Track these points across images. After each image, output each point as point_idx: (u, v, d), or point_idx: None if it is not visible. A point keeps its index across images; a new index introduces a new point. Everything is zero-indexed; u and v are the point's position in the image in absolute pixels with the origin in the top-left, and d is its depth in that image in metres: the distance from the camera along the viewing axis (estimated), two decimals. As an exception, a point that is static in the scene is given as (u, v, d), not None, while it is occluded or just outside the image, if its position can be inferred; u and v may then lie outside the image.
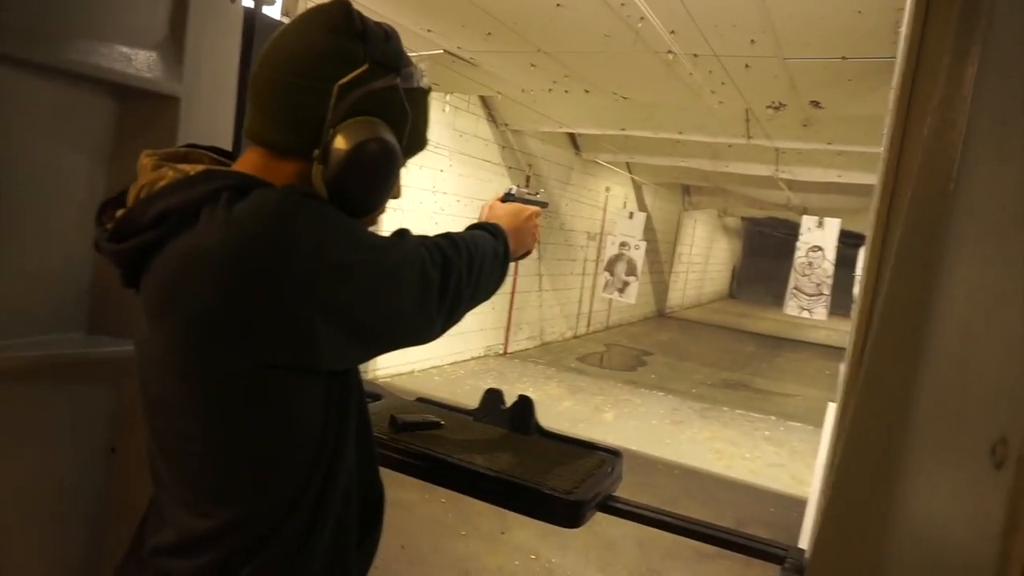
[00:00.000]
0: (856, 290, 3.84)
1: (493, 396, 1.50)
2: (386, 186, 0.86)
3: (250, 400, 0.77)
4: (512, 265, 1.11)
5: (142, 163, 0.85)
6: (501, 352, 8.19)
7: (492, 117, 7.34)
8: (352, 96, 0.82)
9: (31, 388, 1.21)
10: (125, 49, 1.23)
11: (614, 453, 1.39)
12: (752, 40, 3.35)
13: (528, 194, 1.26)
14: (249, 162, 0.86)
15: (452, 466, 1.23)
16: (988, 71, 0.70)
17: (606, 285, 8.56)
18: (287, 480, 0.81)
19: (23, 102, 1.15)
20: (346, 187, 0.82)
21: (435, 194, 6.51)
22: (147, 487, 0.92)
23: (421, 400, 1.59)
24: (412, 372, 6.52)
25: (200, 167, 0.84)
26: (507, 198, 1.22)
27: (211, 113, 1.35)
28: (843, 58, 3.49)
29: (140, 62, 1.25)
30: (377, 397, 1.56)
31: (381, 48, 0.85)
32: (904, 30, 1.27)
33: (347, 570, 0.90)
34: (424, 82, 0.92)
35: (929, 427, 0.61)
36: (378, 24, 0.87)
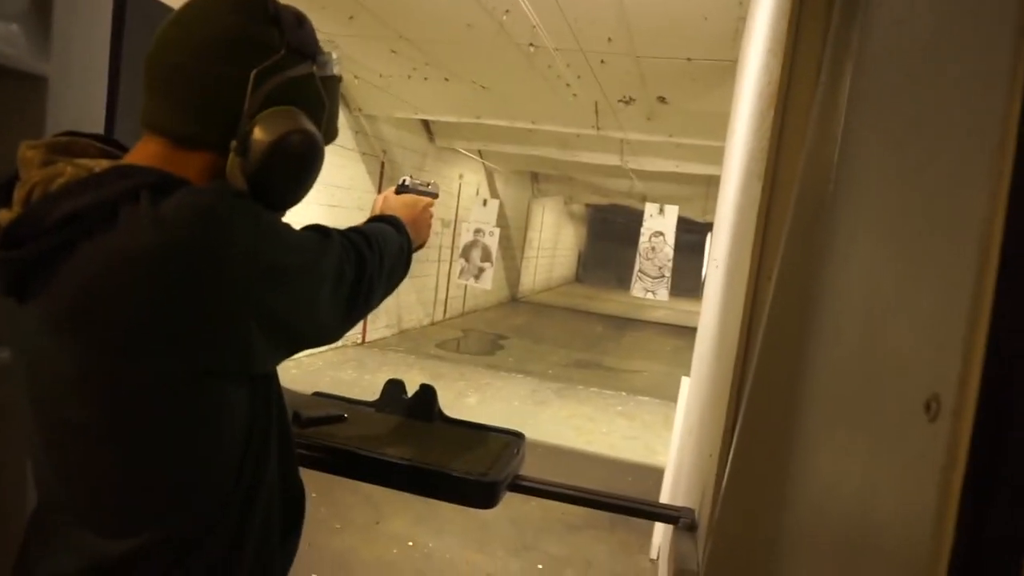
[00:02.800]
0: (704, 272, 4.16)
1: (394, 386, 1.51)
2: (310, 179, 0.84)
3: (178, 409, 0.74)
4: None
5: (25, 156, 0.76)
6: (359, 341, 8.05)
7: (346, 102, 7.14)
8: (268, 84, 0.78)
9: None
10: (-21, 20, 1.10)
11: (517, 435, 1.45)
12: (609, 38, 3.53)
13: (420, 185, 1.27)
14: (149, 153, 0.79)
15: (365, 458, 1.24)
16: (861, 84, 0.82)
17: (462, 271, 8.63)
18: (215, 487, 0.79)
19: None
20: (269, 181, 0.79)
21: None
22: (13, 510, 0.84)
23: (319, 394, 1.57)
24: (267, 366, 6.24)
25: (104, 162, 0.77)
26: (401, 189, 1.22)
27: (82, 96, 1.24)
28: (688, 59, 3.78)
29: (-1, 36, 1.12)
30: (271, 394, 1.52)
31: (295, 34, 0.81)
32: (760, 39, 1.43)
33: (271, 571, 0.88)
34: (336, 69, 0.89)
35: (831, 401, 0.72)
36: (287, 7, 0.83)
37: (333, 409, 1.42)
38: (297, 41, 0.81)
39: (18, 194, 0.74)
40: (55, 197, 0.72)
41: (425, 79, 5.12)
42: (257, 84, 0.77)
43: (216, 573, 0.80)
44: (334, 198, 7.02)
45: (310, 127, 0.81)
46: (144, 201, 0.70)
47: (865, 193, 0.73)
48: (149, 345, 0.70)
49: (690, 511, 1.29)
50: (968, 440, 0.41)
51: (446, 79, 5.11)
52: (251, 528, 0.82)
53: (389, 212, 1.13)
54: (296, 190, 0.83)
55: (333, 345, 7.49)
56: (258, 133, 0.77)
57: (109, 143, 0.85)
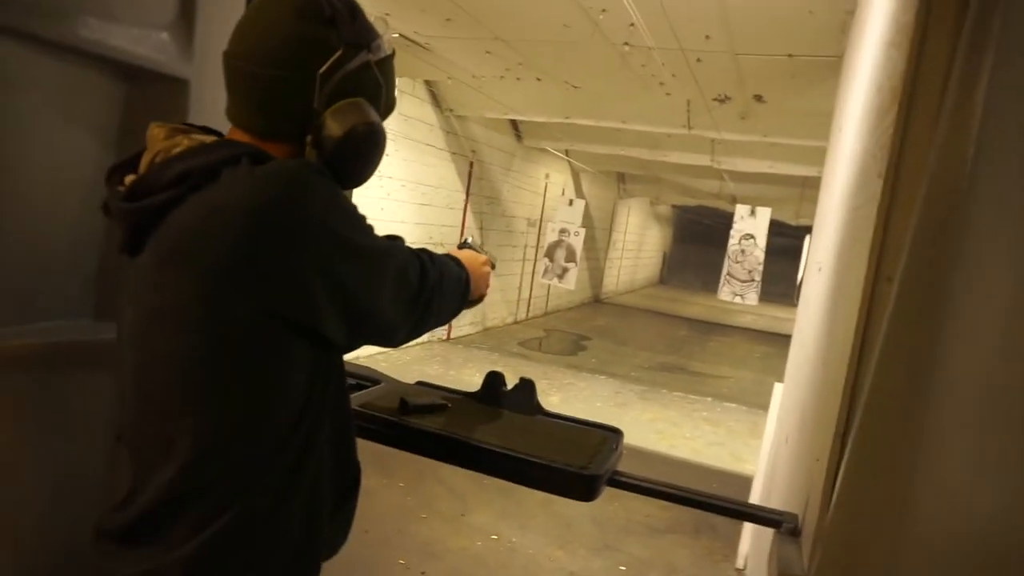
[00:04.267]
0: (800, 276, 4.03)
1: (494, 378, 1.54)
2: (376, 163, 0.94)
3: (251, 346, 0.81)
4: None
5: (153, 133, 0.89)
6: (444, 338, 8.21)
7: (437, 102, 7.30)
8: (332, 81, 0.87)
9: (34, 375, 1.18)
10: (136, 29, 1.21)
11: (615, 431, 1.46)
12: (707, 35, 3.47)
13: (480, 248, 1.33)
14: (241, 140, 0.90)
15: (469, 446, 1.28)
16: (1004, 77, 0.79)
17: (546, 271, 8.66)
18: (268, 437, 0.84)
19: (29, 79, 1.12)
20: (343, 168, 0.89)
21: (380, 178, 6.43)
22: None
23: (422, 383, 1.62)
24: (357, 358, 6.46)
25: (213, 137, 0.90)
26: (463, 246, 1.29)
27: (220, 95, 1.33)
28: (789, 55, 3.67)
29: (150, 43, 1.23)
30: (376, 381, 1.58)
31: (351, 28, 0.89)
32: (876, 32, 1.38)
33: (320, 534, 0.94)
34: (389, 47, 0.97)
35: (965, 404, 0.70)
36: (342, 2, 0.90)
37: (437, 398, 1.47)
38: (353, 35, 0.89)
39: (144, 160, 0.88)
40: (172, 160, 0.85)
41: (518, 79, 5.17)
42: (322, 82, 0.86)
43: (266, 519, 0.85)
44: (425, 197, 7.19)
45: (373, 117, 0.90)
46: (243, 163, 0.82)
47: (1007, 191, 0.70)
48: (231, 283, 0.79)
49: (793, 516, 1.27)
50: None
51: (538, 79, 5.14)
52: (301, 485, 0.88)
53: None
54: (364, 172, 0.93)
55: (419, 340, 7.68)
56: (330, 128, 0.87)
57: (214, 134, 0.96)
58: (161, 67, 1.24)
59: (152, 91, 1.26)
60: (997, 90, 0.81)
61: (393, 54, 0.98)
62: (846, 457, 0.94)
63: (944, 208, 0.87)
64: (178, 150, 0.86)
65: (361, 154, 0.89)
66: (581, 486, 1.25)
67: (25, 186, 1.14)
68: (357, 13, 0.91)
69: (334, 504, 0.97)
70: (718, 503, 1.28)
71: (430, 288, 0.97)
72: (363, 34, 0.91)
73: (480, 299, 1.24)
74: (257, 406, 0.83)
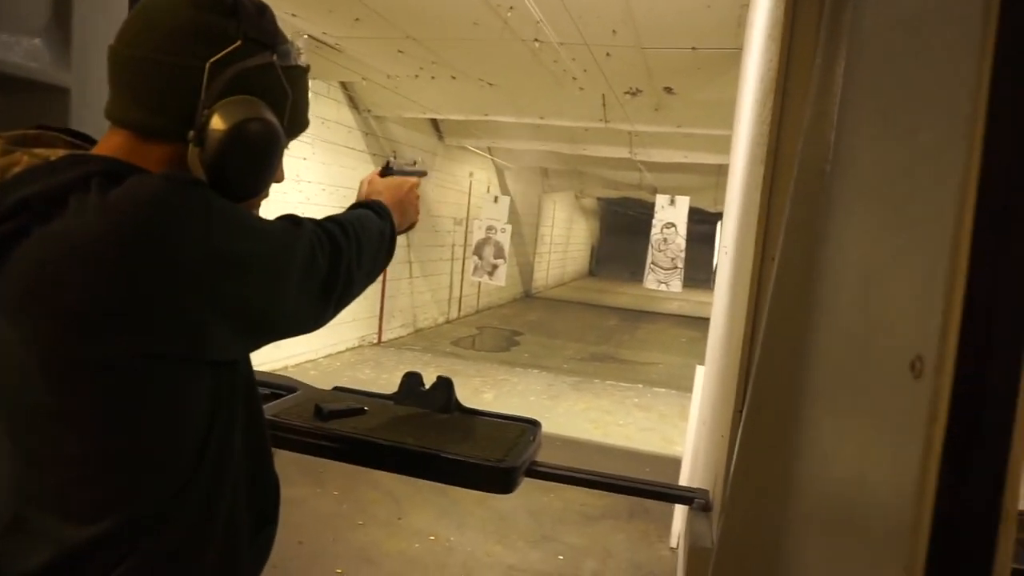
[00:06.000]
0: (715, 261, 4.19)
1: (412, 379, 1.54)
2: (269, 168, 0.83)
3: (129, 392, 0.74)
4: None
5: None
6: (375, 341, 8.12)
7: (354, 103, 7.19)
8: (226, 74, 0.79)
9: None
10: (4, 36, 1.15)
11: (533, 423, 1.48)
12: (613, 30, 3.55)
13: (406, 165, 1.25)
14: (113, 146, 0.80)
15: (386, 448, 1.27)
16: (855, 64, 0.85)
17: (475, 269, 8.67)
18: (174, 472, 0.78)
19: None
20: (227, 169, 0.79)
21: (299, 183, 6.31)
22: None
23: (339, 389, 1.60)
24: (286, 368, 6.31)
25: (59, 151, 0.79)
26: (386, 171, 1.20)
27: (102, 102, 1.28)
28: (693, 48, 3.79)
29: (23, 50, 1.17)
30: (292, 389, 1.56)
31: (255, 24, 0.82)
32: (760, 26, 1.45)
33: (240, 564, 0.88)
34: (302, 60, 0.90)
35: (830, 373, 0.75)
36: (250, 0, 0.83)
37: (353, 402, 1.46)
38: (256, 31, 0.81)
39: None
40: (8, 185, 0.74)
41: (432, 78, 5.15)
42: (213, 74, 0.78)
43: (179, 559, 0.80)
44: (346, 200, 7.06)
45: (268, 115, 0.81)
46: (93, 188, 0.71)
47: (859, 168, 0.76)
48: (96, 330, 0.70)
49: (704, 492, 1.32)
50: (948, 394, 0.44)
51: (453, 77, 5.14)
52: (216, 516, 0.82)
53: (374, 195, 1.12)
54: (256, 179, 0.83)
55: (350, 345, 7.57)
56: (214, 122, 0.77)
57: (79, 136, 0.86)
58: (35, 75, 1.18)
59: (28, 100, 1.19)
60: (851, 75, 0.86)
61: (307, 69, 0.90)
62: (739, 433, 0.99)
63: (811, 188, 0.92)
64: (17, 169, 0.75)
65: (249, 155, 0.79)
66: (498, 479, 1.26)
67: None
68: (265, 11, 0.84)
69: (254, 527, 0.90)
70: (633, 485, 1.33)
71: (347, 266, 0.89)
72: (268, 33, 0.83)
73: (412, 226, 1.17)
74: (147, 451, 0.76)
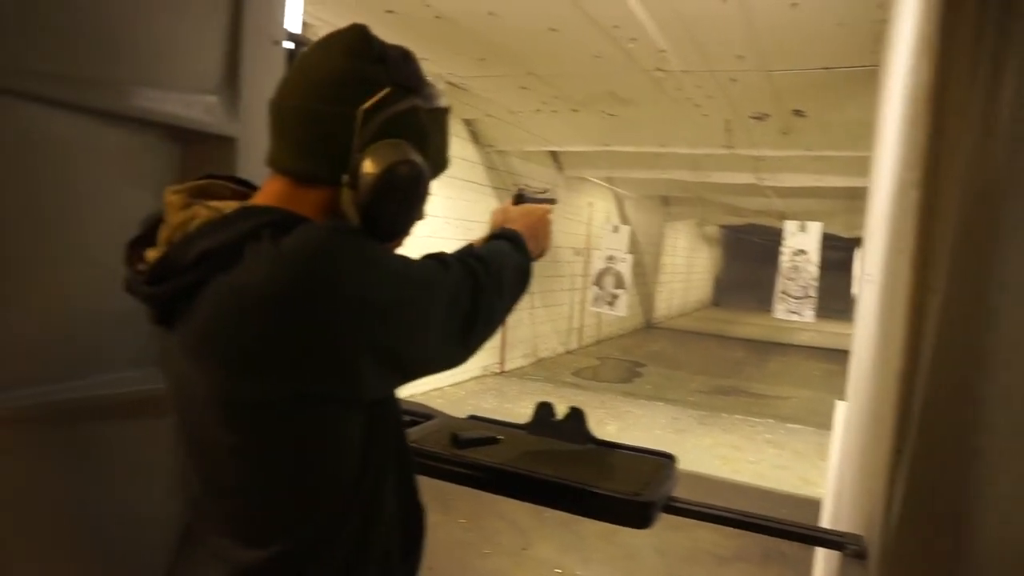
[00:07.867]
0: (854, 290, 3.95)
1: (544, 409, 1.55)
2: (417, 207, 0.87)
3: (293, 431, 0.79)
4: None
5: (169, 200, 0.85)
6: (498, 371, 8.23)
7: (476, 139, 7.43)
8: (376, 120, 0.83)
9: (107, 426, 1.25)
10: (187, 95, 1.29)
11: (668, 457, 1.45)
12: (738, 56, 3.47)
13: (537, 193, 1.27)
14: (272, 192, 0.86)
15: (522, 477, 1.28)
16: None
17: (596, 299, 8.64)
18: (333, 502, 0.83)
19: (92, 147, 1.20)
20: (378, 211, 0.82)
21: (426, 217, 6.55)
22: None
23: (474, 417, 1.64)
24: (414, 396, 6.52)
25: (232, 204, 0.85)
26: (519, 199, 1.23)
27: (264, 151, 1.41)
28: (825, 68, 3.63)
29: (200, 106, 1.31)
30: (429, 417, 1.61)
31: (401, 70, 0.86)
32: (906, 41, 1.37)
33: None
34: (443, 102, 0.93)
35: (1020, 413, 0.68)
36: (395, 46, 0.88)
37: (488, 431, 1.49)
38: (402, 77, 0.85)
39: (162, 235, 0.84)
40: (191, 238, 0.80)
41: (554, 112, 5.24)
42: (365, 120, 0.82)
43: None
44: (470, 233, 7.29)
45: (415, 157, 0.83)
46: (265, 239, 0.76)
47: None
48: (262, 371, 0.76)
49: (858, 537, 1.23)
50: None
51: (574, 110, 5.20)
52: (372, 541, 0.87)
53: (509, 223, 1.15)
54: (404, 218, 0.86)
55: (473, 374, 7.72)
56: (366, 166, 0.81)
57: (241, 183, 0.94)
58: (210, 128, 1.32)
59: (203, 149, 1.33)
60: (1022, 92, 0.80)
61: (448, 110, 0.94)
62: (906, 475, 0.92)
63: (981, 212, 0.86)
64: (196, 223, 0.82)
65: (398, 196, 0.82)
66: (636, 513, 1.24)
67: (91, 246, 1.22)
68: (410, 58, 0.89)
69: (403, 551, 0.95)
70: (777, 526, 1.26)
71: (488, 303, 0.92)
72: (414, 78, 0.87)
73: (543, 254, 1.18)
74: (309, 483, 0.82)
